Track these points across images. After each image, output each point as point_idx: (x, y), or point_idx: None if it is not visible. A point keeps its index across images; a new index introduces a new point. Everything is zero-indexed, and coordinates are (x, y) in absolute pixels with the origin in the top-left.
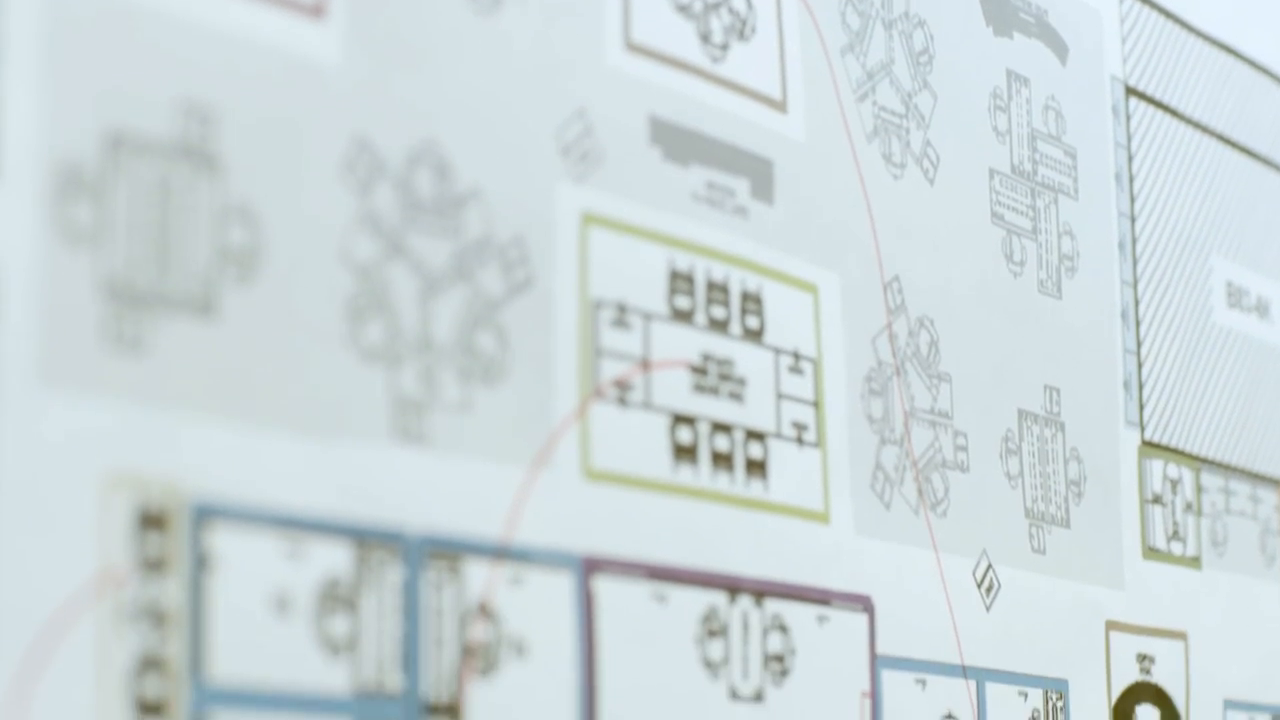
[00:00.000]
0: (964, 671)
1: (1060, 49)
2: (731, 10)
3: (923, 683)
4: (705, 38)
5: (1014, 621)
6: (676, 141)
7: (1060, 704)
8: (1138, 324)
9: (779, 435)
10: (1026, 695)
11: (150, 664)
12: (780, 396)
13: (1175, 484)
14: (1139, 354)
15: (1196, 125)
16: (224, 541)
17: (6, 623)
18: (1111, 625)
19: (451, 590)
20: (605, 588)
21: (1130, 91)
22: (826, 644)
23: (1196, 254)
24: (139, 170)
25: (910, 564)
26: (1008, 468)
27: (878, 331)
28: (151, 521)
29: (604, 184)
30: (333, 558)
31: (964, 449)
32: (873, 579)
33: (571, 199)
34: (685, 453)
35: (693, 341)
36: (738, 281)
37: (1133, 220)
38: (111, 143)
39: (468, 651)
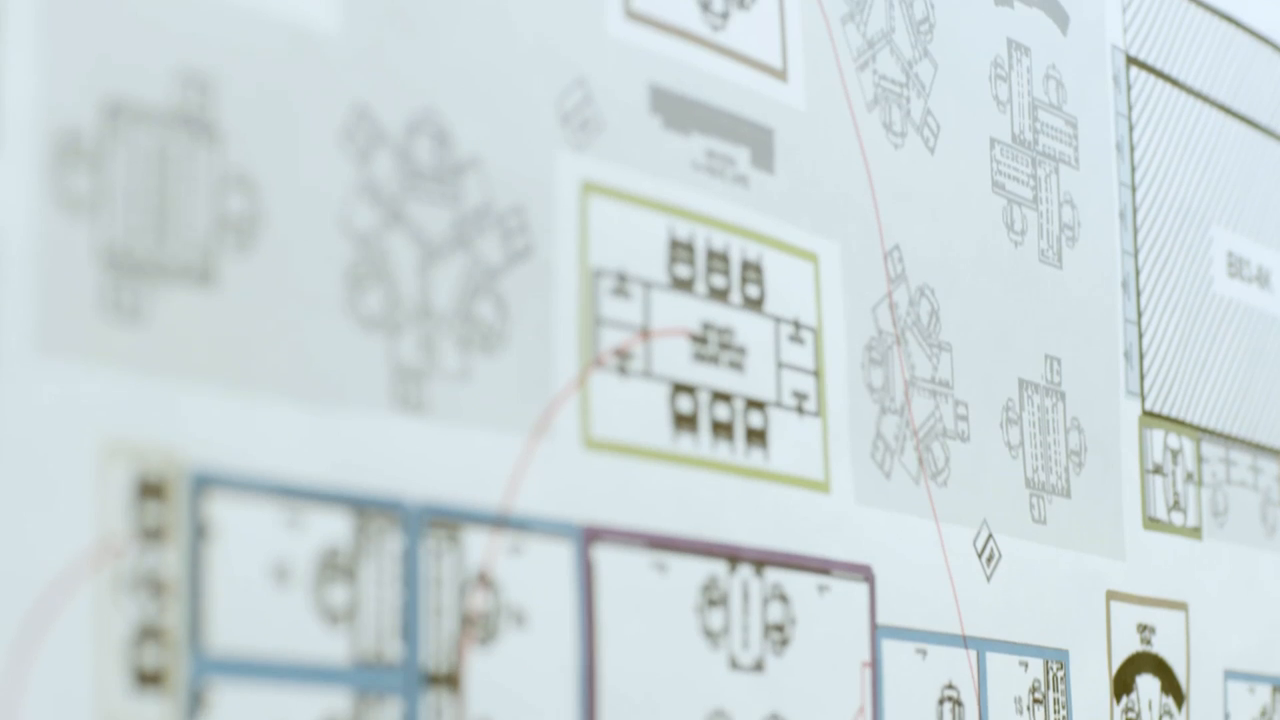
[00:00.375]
0: (964, 641)
1: (1061, 18)
2: None
3: (923, 652)
4: (705, 6)
5: (1015, 591)
6: (677, 110)
7: (1061, 674)
8: (1138, 294)
9: (779, 404)
10: (1027, 665)
11: (149, 634)
12: (780, 365)
13: (1176, 454)
14: (1139, 324)
15: (1197, 95)
16: (223, 511)
17: (4, 592)
18: (1112, 595)
19: (451, 559)
20: (605, 557)
21: (1131, 61)
22: (827, 613)
23: (1197, 224)
24: (137, 139)
25: (911, 533)
26: (1008, 437)
27: (878, 300)
28: (150, 491)
29: (604, 152)
30: (332, 527)
31: (964, 418)
32: (873, 548)
33: (571, 167)
34: (685, 422)
35: (693, 310)
36: (738, 250)
37: (1133, 190)
38: (110, 111)
39: (467, 621)
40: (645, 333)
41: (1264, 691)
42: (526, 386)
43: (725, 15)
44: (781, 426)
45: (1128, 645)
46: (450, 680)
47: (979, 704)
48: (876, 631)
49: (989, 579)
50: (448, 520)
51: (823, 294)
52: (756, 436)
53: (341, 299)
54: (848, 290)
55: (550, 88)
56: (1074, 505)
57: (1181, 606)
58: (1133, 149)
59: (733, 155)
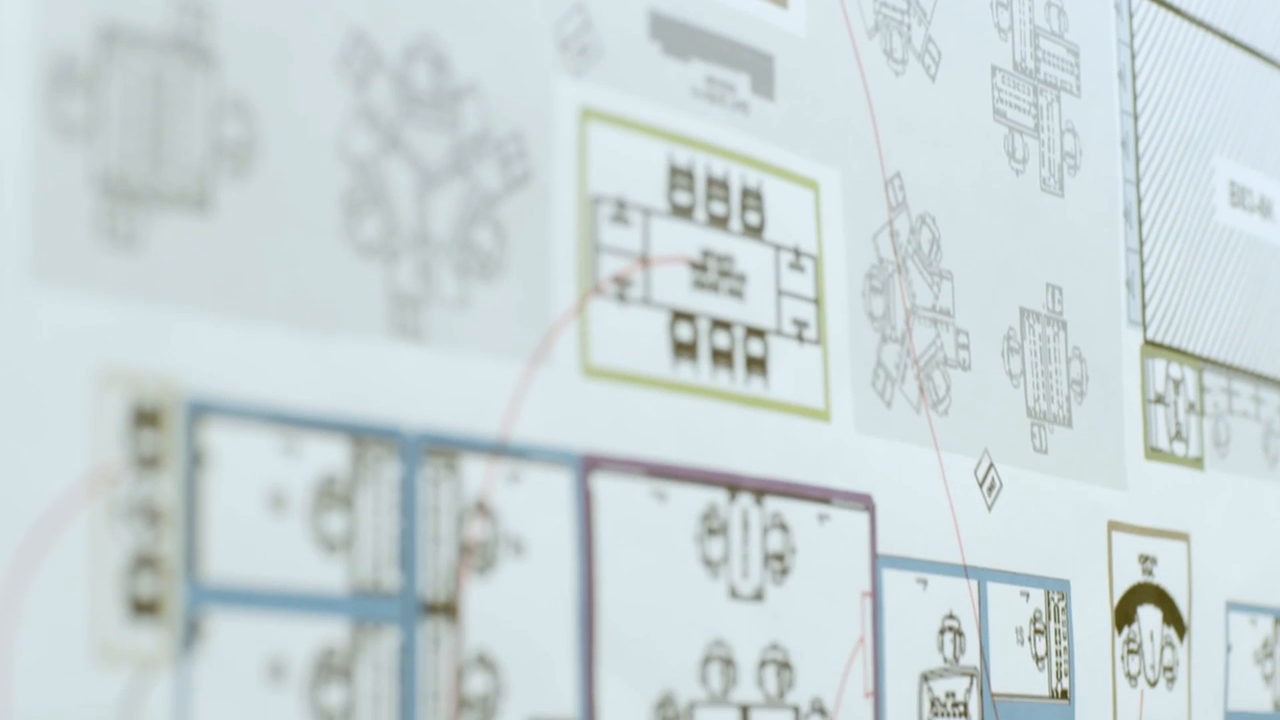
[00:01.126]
0: (965, 571)
1: None
2: None
3: (924, 582)
4: None
5: (1016, 521)
6: (676, 36)
7: (1062, 604)
8: (1140, 223)
9: (779, 332)
10: (1028, 595)
11: (144, 562)
12: (781, 293)
13: (1178, 384)
14: (1141, 253)
15: (1200, 24)
16: (218, 438)
17: None
18: (1113, 526)
19: (449, 487)
20: (604, 485)
21: None
22: (827, 543)
23: (1199, 153)
24: (133, 64)
25: (911, 462)
26: (1009, 366)
27: (879, 228)
28: (145, 418)
29: (603, 79)
30: (329, 454)
31: (965, 347)
32: (874, 477)
33: (570, 93)
34: (685, 350)
35: (692, 237)
36: (738, 177)
37: (1135, 119)
38: (105, 36)
39: (465, 549)
40: (644, 260)
41: (1266, 623)
42: (525, 314)
43: None
44: (781, 355)
45: (1129, 576)
46: (448, 609)
47: (980, 634)
48: (877, 561)
49: (990, 508)
50: (445, 448)
51: (823, 221)
52: (756, 364)
53: (338, 225)
54: (848, 218)
55: (549, 13)
56: (1075, 435)
57: (1183, 537)
58: (1134, 78)
59: (733, 82)
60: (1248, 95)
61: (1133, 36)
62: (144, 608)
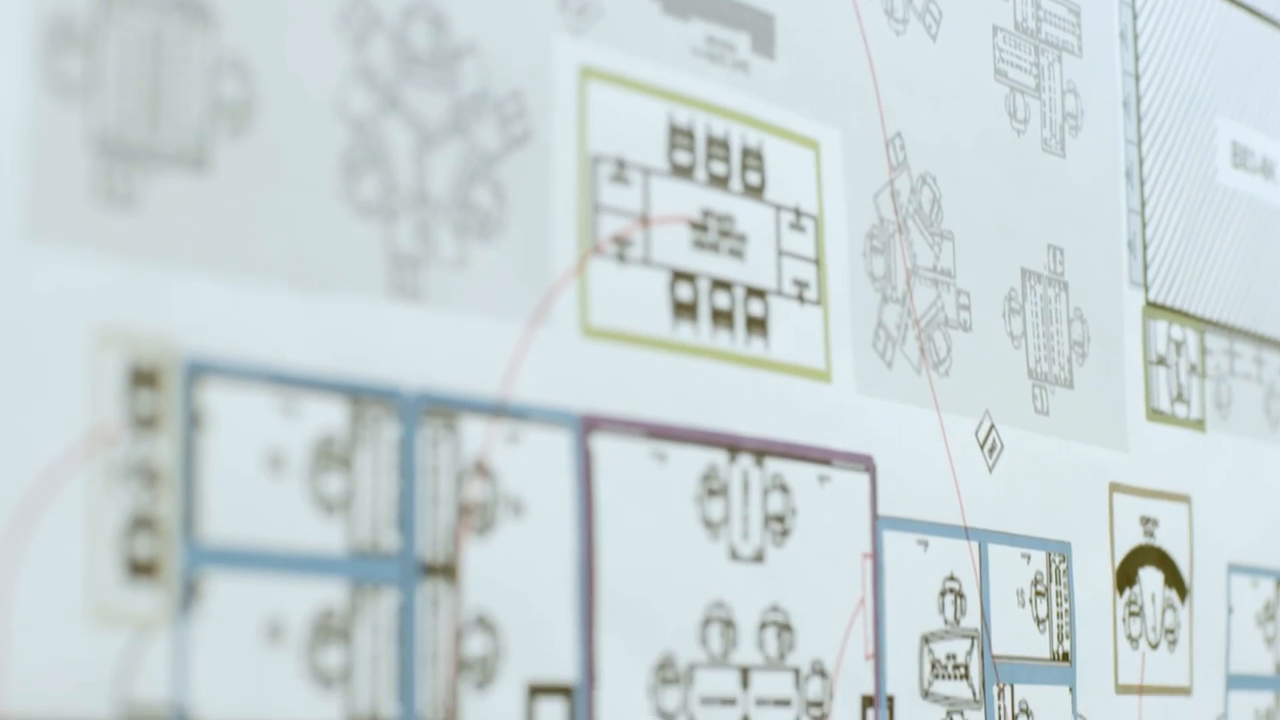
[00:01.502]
0: (966, 533)
1: None
2: None
3: (925, 544)
4: None
5: (1017, 483)
6: None
7: (1063, 566)
8: (1142, 183)
9: (780, 293)
10: (1029, 557)
11: (141, 523)
12: (781, 253)
13: (1179, 345)
14: (1143, 214)
15: None
16: (216, 398)
17: None
18: (1115, 487)
19: (448, 448)
20: (604, 446)
21: None
22: (827, 504)
23: (1201, 114)
24: (131, 22)
25: (912, 424)
26: (1011, 327)
27: (880, 188)
28: (143, 378)
29: (603, 37)
30: (327, 415)
31: (967, 308)
32: (874, 438)
33: (570, 52)
34: (685, 310)
35: (693, 197)
36: (738, 137)
37: (1137, 79)
38: None
39: (464, 510)
40: (644, 220)
41: (1267, 585)
42: (524, 274)
43: None
44: (782, 315)
45: (1130, 538)
46: (447, 570)
47: (980, 596)
48: (877, 522)
49: (991, 470)
50: (444, 409)
51: (824, 181)
52: (757, 325)
53: (337, 185)
54: (849, 178)
55: None
56: (1077, 396)
57: (1184, 499)
58: (1136, 38)
59: (733, 41)
60: (1250, 56)
61: None
62: (141, 569)
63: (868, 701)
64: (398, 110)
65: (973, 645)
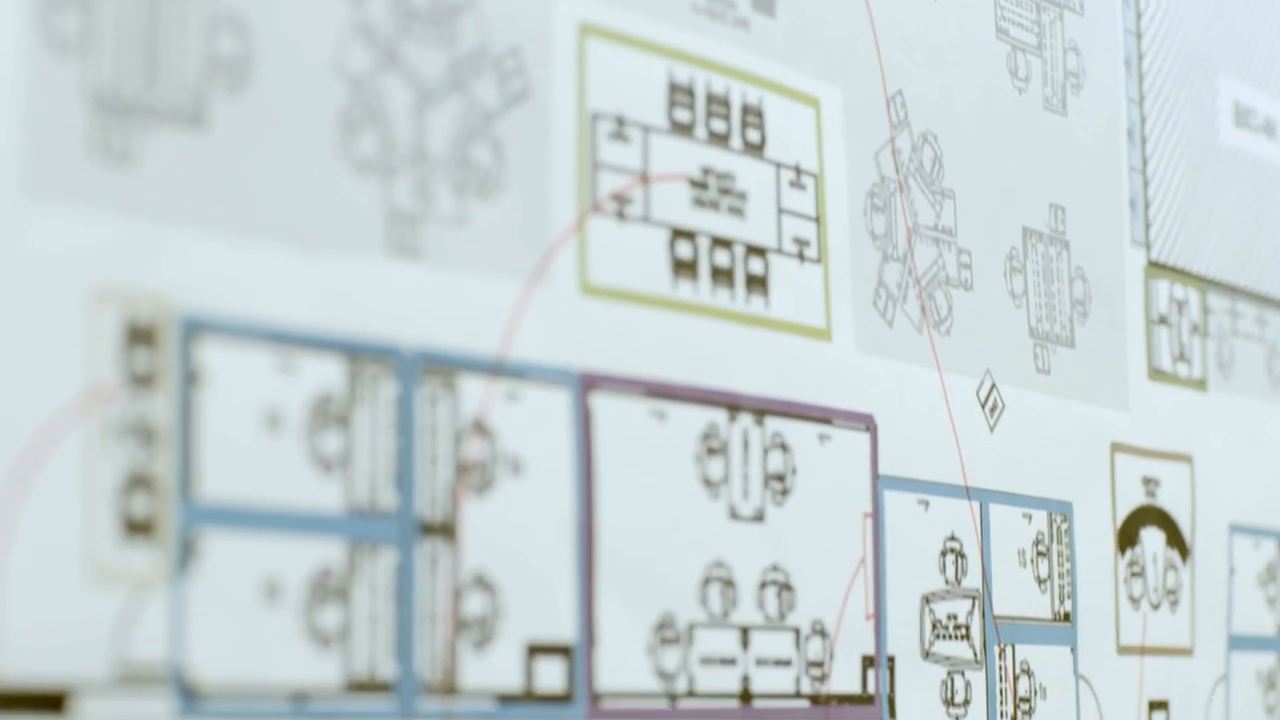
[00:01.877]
0: (967, 493)
1: None
2: None
3: (925, 503)
4: None
5: (1018, 442)
6: None
7: (1065, 526)
8: (1144, 142)
9: (780, 251)
10: (1031, 517)
11: (138, 482)
12: (781, 211)
13: (1181, 305)
14: (1145, 173)
15: None
16: (214, 356)
17: None
18: (1116, 447)
19: (446, 406)
20: (603, 404)
21: None
22: (828, 463)
23: (1203, 73)
24: None
25: (913, 382)
26: (1012, 286)
27: (880, 146)
28: (140, 336)
29: None
30: (325, 373)
31: (968, 267)
32: (875, 397)
33: (569, 9)
34: (685, 268)
35: (693, 155)
36: (738, 94)
37: (1139, 37)
38: None
39: (463, 469)
40: (644, 177)
41: (1269, 546)
42: (523, 232)
43: None
44: (782, 273)
45: (1132, 498)
46: (445, 529)
47: (981, 556)
48: (878, 482)
49: (992, 429)
50: (443, 367)
51: (824, 139)
52: (757, 283)
53: (335, 142)
54: (849, 136)
55: None
56: (1078, 355)
57: (1186, 459)
58: None
59: None
60: (1252, 15)
61: None
62: (138, 528)
63: (868, 661)
64: (396, 67)
65: (974, 605)
